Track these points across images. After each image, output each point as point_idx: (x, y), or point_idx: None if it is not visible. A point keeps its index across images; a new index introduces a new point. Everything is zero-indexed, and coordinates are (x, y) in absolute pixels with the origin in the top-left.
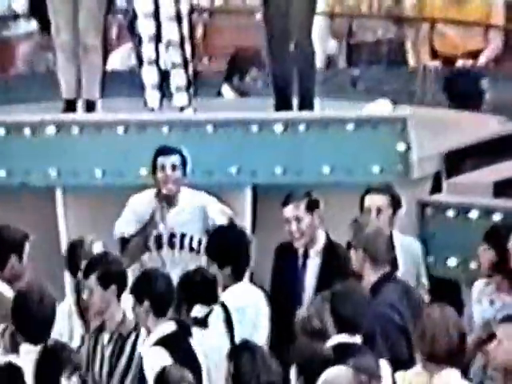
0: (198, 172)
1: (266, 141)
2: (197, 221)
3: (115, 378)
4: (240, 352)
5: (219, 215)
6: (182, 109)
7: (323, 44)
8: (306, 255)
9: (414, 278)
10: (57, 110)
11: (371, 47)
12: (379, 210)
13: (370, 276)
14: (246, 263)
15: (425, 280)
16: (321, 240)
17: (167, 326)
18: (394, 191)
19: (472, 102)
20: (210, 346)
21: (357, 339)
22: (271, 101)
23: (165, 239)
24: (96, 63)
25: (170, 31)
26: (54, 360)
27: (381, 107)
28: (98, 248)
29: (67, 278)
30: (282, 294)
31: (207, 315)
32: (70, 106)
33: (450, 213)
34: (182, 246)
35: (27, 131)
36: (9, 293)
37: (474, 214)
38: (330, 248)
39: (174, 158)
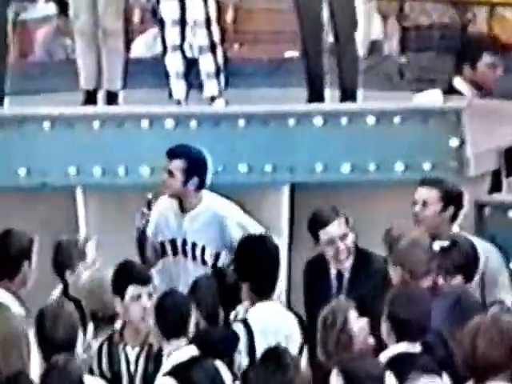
0: (228, 171)
1: (305, 135)
2: (212, 230)
3: None
4: None
5: (236, 228)
6: (212, 99)
7: (366, 27)
8: (340, 274)
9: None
10: (76, 102)
11: (423, 31)
12: (425, 203)
13: None
14: (272, 279)
15: (505, 295)
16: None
17: (186, 351)
18: (449, 186)
19: None
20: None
21: (416, 347)
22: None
23: (179, 244)
24: (117, 49)
25: (195, 11)
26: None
27: (431, 98)
28: (91, 247)
29: None
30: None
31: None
32: (90, 98)
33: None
34: (194, 257)
35: (46, 125)
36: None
37: None
38: (361, 260)
39: (175, 164)
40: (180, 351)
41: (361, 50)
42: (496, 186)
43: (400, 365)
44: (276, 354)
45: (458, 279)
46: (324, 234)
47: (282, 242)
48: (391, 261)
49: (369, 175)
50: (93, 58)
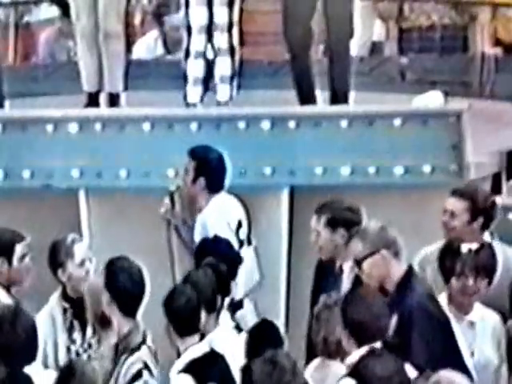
0: (229, 172)
1: (304, 138)
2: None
3: None
4: None
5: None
6: (219, 104)
7: (367, 29)
8: (341, 270)
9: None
10: (79, 105)
11: (424, 33)
12: (452, 214)
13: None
14: None
15: None
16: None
17: (199, 348)
18: (479, 197)
19: None
20: None
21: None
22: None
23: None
24: (118, 51)
25: (221, 16)
26: None
27: (432, 100)
28: (80, 248)
29: None
30: None
31: None
32: (92, 100)
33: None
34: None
35: (49, 128)
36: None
37: None
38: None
39: (189, 163)
40: (192, 348)
41: (353, 51)
42: (496, 190)
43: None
44: (274, 357)
45: (485, 281)
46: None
47: (281, 244)
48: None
49: (369, 178)
50: (94, 61)
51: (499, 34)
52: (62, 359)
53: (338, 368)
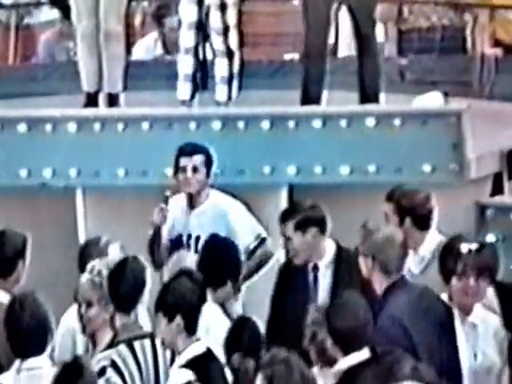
0: (228, 172)
1: (304, 137)
2: (216, 225)
3: None
4: None
5: (238, 224)
6: (218, 104)
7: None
8: (315, 269)
9: None
10: (78, 104)
11: (423, 34)
12: (387, 217)
13: (379, 284)
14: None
15: None
16: (329, 251)
17: (197, 347)
18: (401, 196)
19: None
20: None
21: (365, 354)
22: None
23: (184, 241)
24: (118, 52)
25: (214, 18)
26: None
27: (432, 100)
28: (114, 250)
29: None
30: (290, 316)
31: None
32: (91, 100)
33: None
34: (196, 250)
35: (48, 127)
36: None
37: None
38: (342, 257)
39: (196, 159)
40: (191, 347)
41: (352, 52)
42: (498, 190)
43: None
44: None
45: (486, 281)
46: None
47: (280, 243)
48: (363, 251)
49: (368, 177)
50: (94, 61)
51: (498, 35)
52: None
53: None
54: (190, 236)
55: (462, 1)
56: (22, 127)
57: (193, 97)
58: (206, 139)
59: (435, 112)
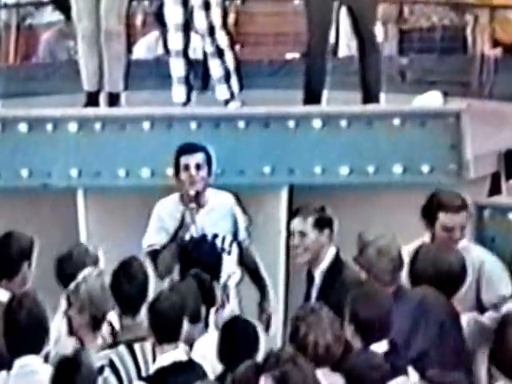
0: (228, 172)
1: (304, 137)
2: (227, 221)
3: None
4: None
5: (240, 216)
6: (226, 102)
7: None
8: (310, 275)
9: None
10: (78, 104)
11: (423, 34)
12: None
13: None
14: None
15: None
16: (327, 259)
17: (171, 355)
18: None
19: None
20: None
21: (383, 347)
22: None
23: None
24: (119, 51)
25: (199, 18)
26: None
27: (431, 100)
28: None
29: None
30: None
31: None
32: (92, 100)
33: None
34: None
35: (49, 127)
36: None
37: None
38: (335, 268)
39: (199, 157)
40: (164, 356)
41: (352, 51)
42: (495, 190)
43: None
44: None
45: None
46: (291, 225)
47: (280, 243)
48: (360, 264)
49: (367, 178)
50: (95, 60)
51: (498, 35)
52: None
53: (330, 378)
54: (204, 236)
55: (462, 1)
56: (22, 127)
57: (188, 99)
58: (207, 139)
59: (434, 112)
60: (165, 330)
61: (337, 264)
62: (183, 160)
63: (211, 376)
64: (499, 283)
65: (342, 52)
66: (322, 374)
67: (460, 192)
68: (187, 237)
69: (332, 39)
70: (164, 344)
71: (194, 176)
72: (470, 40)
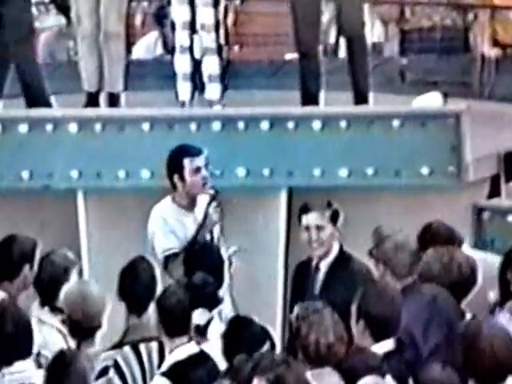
0: (226, 174)
1: (303, 139)
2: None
3: None
4: None
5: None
6: (211, 104)
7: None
8: (317, 268)
9: None
10: (79, 104)
11: (424, 34)
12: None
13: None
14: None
15: None
16: (333, 253)
17: (186, 349)
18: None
19: None
20: None
21: (390, 345)
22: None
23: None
24: (119, 52)
25: (205, 14)
26: None
27: (431, 101)
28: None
29: None
30: None
31: (208, 324)
32: (92, 100)
33: (511, 218)
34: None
35: (49, 128)
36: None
37: None
38: (340, 261)
39: (203, 159)
40: (179, 350)
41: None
42: (495, 193)
43: None
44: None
45: None
46: (304, 220)
47: (279, 245)
48: (374, 256)
49: (366, 179)
50: (95, 61)
51: (498, 35)
52: None
53: (333, 378)
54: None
55: (463, 1)
56: (23, 127)
57: (192, 97)
58: (207, 140)
59: (434, 113)
60: (174, 323)
61: (342, 256)
62: (191, 162)
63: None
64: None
65: (342, 52)
66: (323, 373)
67: (459, 194)
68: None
69: (332, 39)
70: (175, 338)
71: (206, 177)
72: (471, 40)
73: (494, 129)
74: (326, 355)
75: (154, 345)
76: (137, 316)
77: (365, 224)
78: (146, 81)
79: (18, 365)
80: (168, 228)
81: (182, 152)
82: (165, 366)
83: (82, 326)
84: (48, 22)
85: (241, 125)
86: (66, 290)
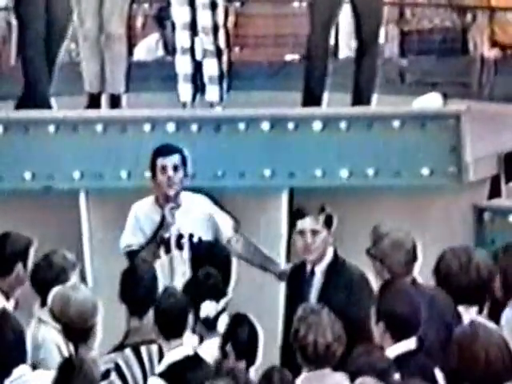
0: (228, 175)
1: (304, 140)
2: (204, 225)
3: None
4: None
5: (228, 227)
6: (211, 105)
7: None
8: (312, 273)
9: None
10: (80, 106)
11: (423, 35)
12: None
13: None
14: None
15: None
16: (328, 257)
17: (181, 351)
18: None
19: None
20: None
21: (412, 343)
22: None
23: (173, 241)
24: (120, 53)
25: (205, 16)
26: None
27: (431, 102)
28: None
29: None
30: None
31: (217, 317)
32: (94, 101)
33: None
34: (191, 247)
35: (51, 129)
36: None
37: None
38: (334, 266)
39: (175, 158)
40: (174, 351)
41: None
42: (495, 193)
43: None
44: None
45: None
46: (299, 224)
47: (280, 246)
48: (372, 254)
49: (367, 180)
50: (96, 62)
51: (497, 36)
52: None
53: (333, 378)
54: (180, 236)
55: (462, 3)
56: (25, 129)
57: (194, 98)
58: (208, 141)
59: (434, 114)
60: (170, 325)
61: (337, 261)
62: (160, 162)
63: None
64: None
65: (343, 53)
66: (324, 374)
67: (459, 195)
68: (166, 236)
69: (332, 40)
70: (171, 340)
71: (172, 177)
72: (470, 42)
73: (493, 129)
74: (324, 355)
75: (155, 347)
76: (138, 318)
77: (365, 224)
78: (148, 82)
79: (16, 372)
80: (136, 225)
81: (156, 152)
82: (160, 368)
83: (71, 328)
84: None
85: (241, 126)
86: (52, 293)
